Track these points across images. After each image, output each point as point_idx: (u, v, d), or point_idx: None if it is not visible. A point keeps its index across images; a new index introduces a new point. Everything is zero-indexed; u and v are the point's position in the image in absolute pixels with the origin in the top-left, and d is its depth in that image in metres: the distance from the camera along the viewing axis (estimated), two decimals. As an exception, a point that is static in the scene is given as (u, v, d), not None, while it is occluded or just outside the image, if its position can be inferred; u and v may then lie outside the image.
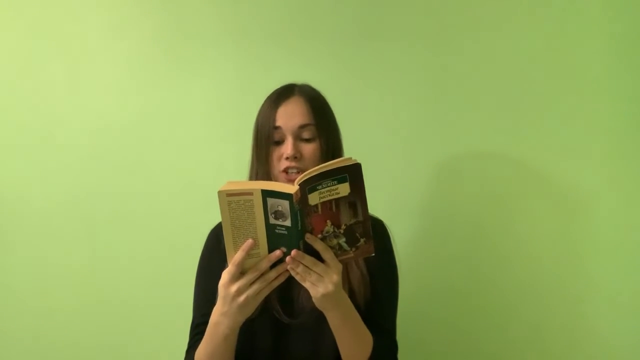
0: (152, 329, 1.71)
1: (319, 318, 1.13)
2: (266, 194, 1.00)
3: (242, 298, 1.05)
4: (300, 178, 1.02)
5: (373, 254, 1.10)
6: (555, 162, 1.61)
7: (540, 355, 1.62)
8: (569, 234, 1.61)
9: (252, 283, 1.05)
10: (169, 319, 1.67)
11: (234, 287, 1.05)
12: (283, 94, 1.27)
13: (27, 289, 1.73)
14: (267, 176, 1.24)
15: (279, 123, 1.23)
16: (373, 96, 1.66)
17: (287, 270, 1.06)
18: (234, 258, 1.04)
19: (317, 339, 1.20)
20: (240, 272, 1.05)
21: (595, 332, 1.60)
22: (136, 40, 1.71)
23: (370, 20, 1.65)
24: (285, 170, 1.21)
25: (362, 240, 1.08)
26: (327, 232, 1.06)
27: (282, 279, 1.07)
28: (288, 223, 1.01)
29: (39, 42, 1.72)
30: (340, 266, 1.07)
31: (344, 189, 1.04)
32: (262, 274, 1.05)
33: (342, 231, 1.06)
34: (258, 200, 1.01)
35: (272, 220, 1.02)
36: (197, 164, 1.69)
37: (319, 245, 1.05)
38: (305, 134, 1.23)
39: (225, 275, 1.06)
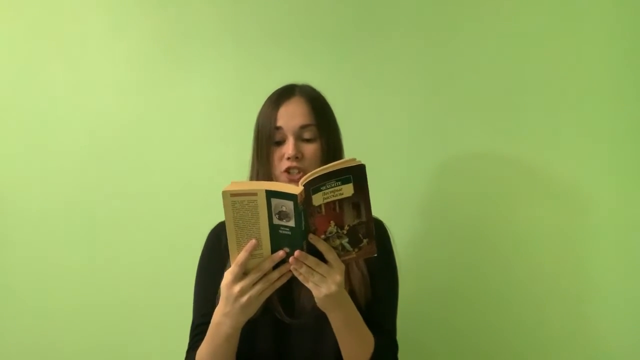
0: (152, 329, 1.70)
1: (320, 318, 1.13)
2: (270, 194, 1.00)
3: (244, 298, 1.05)
4: (305, 179, 1.01)
5: (375, 255, 1.10)
6: (555, 162, 1.61)
7: (540, 355, 1.62)
8: (569, 234, 1.61)
9: (255, 283, 1.05)
10: (169, 319, 1.67)
11: (237, 288, 1.04)
12: (284, 94, 1.27)
13: (27, 289, 1.73)
14: (268, 176, 1.24)
15: (280, 123, 1.23)
16: (373, 96, 1.66)
17: (290, 271, 1.06)
18: (237, 258, 1.03)
19: (318, 339, 1.20)
20: (243, 273, 1.05)
21: (595, 332, 1.60)
22: (136, 40, 1.71)
23: (371, 21, 1.66)
24: (287, 170, 1.21)
25: (364, 240, 1.08)
26: (330, 233, 1.06)
27: (284, 280, 1.07)
28: (292, 223, 1.01)
29: (39, 42, 1.72)
30: (343, 267, 1.07)
31: (347, 190, 1.04)
32: (265, 275, 1.05)
33: (345, 232, 1.06)
34: (262, 200, 1.01)
35: (275, 221, 1.02)
36: (197, 164, 1.69)
37: (322, 246, 1.05)
38: (306, 134, 1.23)
39: (228, 275, 1.05)
